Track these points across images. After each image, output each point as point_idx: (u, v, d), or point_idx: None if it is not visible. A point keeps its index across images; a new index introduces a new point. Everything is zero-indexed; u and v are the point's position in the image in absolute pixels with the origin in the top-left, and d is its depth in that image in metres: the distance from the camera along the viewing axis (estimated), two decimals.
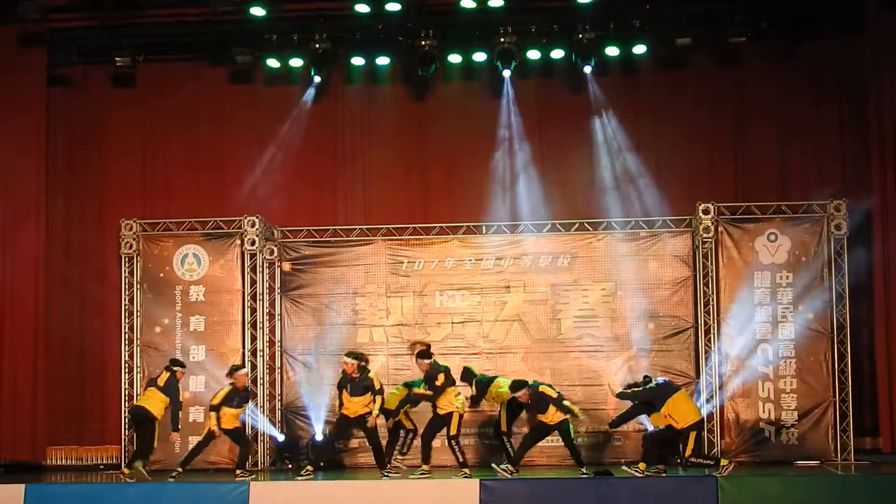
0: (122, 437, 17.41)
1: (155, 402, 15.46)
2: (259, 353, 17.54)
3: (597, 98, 17.73)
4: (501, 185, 17.87)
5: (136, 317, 17.56)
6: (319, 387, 17.26)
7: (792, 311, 16.78)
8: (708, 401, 16.76)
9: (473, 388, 15.57)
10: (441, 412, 15.02)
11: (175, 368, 15.63)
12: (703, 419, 14.89)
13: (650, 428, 16.16)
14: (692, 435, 14.41)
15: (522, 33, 17.21)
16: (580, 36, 17.02)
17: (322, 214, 18.20)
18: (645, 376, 15.07)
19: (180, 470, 15.31)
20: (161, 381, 15.55)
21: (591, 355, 17.12)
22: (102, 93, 18.35)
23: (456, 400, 15.04)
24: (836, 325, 16.72)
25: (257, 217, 17.57)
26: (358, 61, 17.86)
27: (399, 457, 15.77)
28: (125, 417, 17.30)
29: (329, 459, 16.67)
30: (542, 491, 14.16)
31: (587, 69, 17.36)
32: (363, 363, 15.08)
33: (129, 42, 17.60)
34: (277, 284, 17.83)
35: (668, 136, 17.84)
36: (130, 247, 17.63)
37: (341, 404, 15.04)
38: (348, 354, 15.21)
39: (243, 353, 17.40)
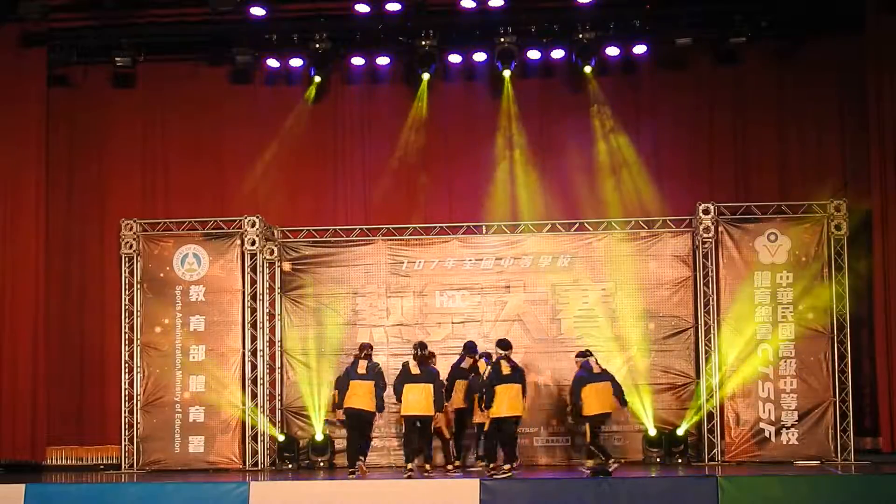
0: (122, 437, 17.39)
1: (364, 398, 15.26)
2: (259, 353, 17.53)
3: (597, 98, 17.73)
4: (501, 186, 17.85)
5: (136, 317, 17.53)
6: (319, 387, 17.26)
7: (792, 311, 16.76)
8: (708, 401, 16.76)
9: None
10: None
11: (366, 353, 15.61)
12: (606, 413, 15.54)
13: (651, 430, 16.16)
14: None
15: (522, 33, 17.21)
16: (580, 36, 17.02)
17: (322, 214, 18.19)
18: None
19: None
20: (361, 370, 15.35)
21: None
22: (102, 93, 18.34)
23: None
24: (836, 325, 16.70)
25: (257, 217, 17.55)
26: (358, 61, 17.87)
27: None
28: (125, 417, 17.34)
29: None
30: (542, 491, 14.17)
31: (587, 69, 17.37)
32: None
33: (129, 42, 17.58)
34: (277, 284, 17.82)
35: (668, 136, 17.83)
36: (130, 247, 17.61)
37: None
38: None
39: (243, 353, 17.40)
